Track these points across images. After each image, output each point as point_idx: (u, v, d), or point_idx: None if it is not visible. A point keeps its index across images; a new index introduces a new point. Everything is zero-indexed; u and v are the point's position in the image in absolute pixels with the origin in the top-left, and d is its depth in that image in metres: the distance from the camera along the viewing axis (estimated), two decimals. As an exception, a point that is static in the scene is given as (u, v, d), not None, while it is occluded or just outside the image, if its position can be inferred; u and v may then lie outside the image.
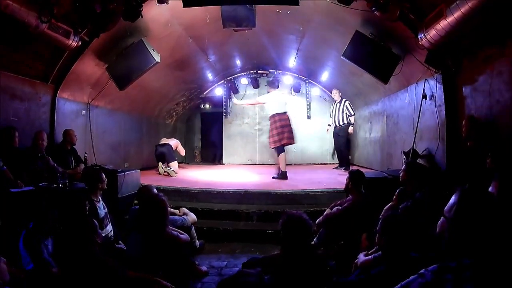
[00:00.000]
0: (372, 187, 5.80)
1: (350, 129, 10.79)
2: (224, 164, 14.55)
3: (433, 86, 6.65)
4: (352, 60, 7.27)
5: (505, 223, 1.75)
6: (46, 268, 3.60)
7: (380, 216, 3.77)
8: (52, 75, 7.14)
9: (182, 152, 11.73)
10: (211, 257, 5.66)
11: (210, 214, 7.01)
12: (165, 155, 10.54)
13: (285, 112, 9.50)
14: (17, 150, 6.01)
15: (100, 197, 5.20)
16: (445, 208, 1.86)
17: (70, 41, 6.19)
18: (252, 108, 14.59)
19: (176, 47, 9.52)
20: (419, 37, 5.77)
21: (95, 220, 3.63)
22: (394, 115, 9.03)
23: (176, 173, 10.30)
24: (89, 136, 8.55)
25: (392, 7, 5.77)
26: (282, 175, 9.36)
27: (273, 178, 9.47)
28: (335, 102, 11.15)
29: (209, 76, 13.38)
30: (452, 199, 1.85)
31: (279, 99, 9.58)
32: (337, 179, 9.09)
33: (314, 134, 13.93)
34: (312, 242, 5.05)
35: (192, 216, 5.66)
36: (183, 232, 4.75)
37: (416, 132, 7.22)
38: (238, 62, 13.02)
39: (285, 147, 9.50)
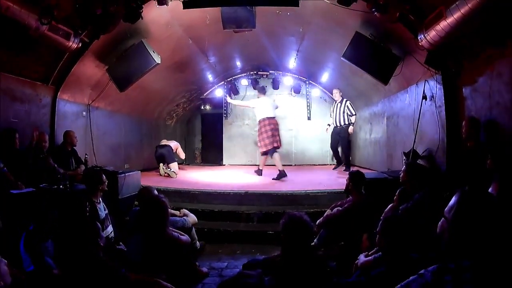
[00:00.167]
0: (373, 188, 5.79)
1: (350, 129, 10.72)
2: (224, 165, 14.55)
3: (433, 87, 6.65)
4: (352, 61, 7.29)
5: (505, 224, 1.75)
6: (47, 269, 3.60)
7: (381, 217, 3.76)
8: (52, 77, 7.14)
9: (182, 155, 11.70)
10: (212, 258, 5.67)
11: (210, 215, 7.01)
12: (165, 156, 10.53)
13: (274, 117, 9.92)
14: (17, 152, 6.02)
15: (100, 199, 5.20)
16: (445, 209, 1.86)
17: (71, 43, 6.20)
18: (252, 110, 14.54)
19: (176, 49, 9.52)
20: (419, 38, 5.77)
21: (98, 223, 3.64)
22: (394, 116, 9.03)
23: (176, 174, 10.31)
24: (90, 138, 8.56)
25: (392, 8, 5.77)
26: (281, 174, 9.53)
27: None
28: (335, 102, 11.06)
29: (209, 77, 13.41)
30: (452, 200, 1.85)
31: (268, 104, 9.98)
32: (337, 180, 9.10)
33: (314, 135, 13.94)
34: (313, 243, 5.05)
35: (192, 217, 5.66)
36: (183, 233, 4.74)
37: (416, 133, 7.22)
38: (238, 63, 13.04)
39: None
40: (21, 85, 6.63)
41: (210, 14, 7.58)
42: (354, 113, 10.65)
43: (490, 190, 3.59)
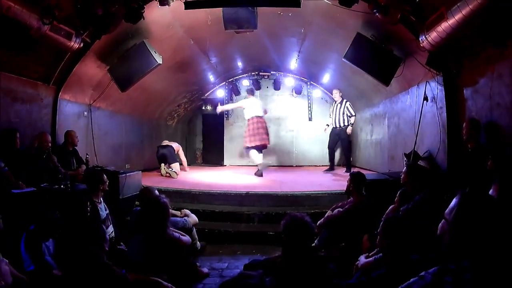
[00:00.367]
0: (373, 189, 5.79)
1: (349, 129, 10.71)
2: (225, 165, 14.55)
3: (434, 88, 6.65)
4: (353, 62, 7.29)
5: (505, 225, 1.75)
6: (47, 269, 3.60)
7: (382, 219, 3.77)
8: (53, 77, 7.15)
9: (183, 157, 11.66)
10: (212, 258, 5.68)
11: (211, 216, 7.02)
12: (166, 157, 10.54)
13: (262, 116, 10.58)
14: (18, 151, 6.02)
15: (101, 198, 5.21)
16: (446, 211, 1.87)
17: (72, 43, 6.21)
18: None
19: (178, 49, 9.53)
20: (420, 39, 5.77)
21: (103, 226, 3.64)
22: (395, 117, 9.03)
23: (177, 174, 10.32)
24: (91, 138, 8.56)
25: (393, 10, 5.77)
26: (264, 165, 10.54)
27: (255, 174, 10.35)
28: (335, 103, 11.04)
29: (211, 78, 13.40)
30: (453, 202, 1.85)
31: (256, 104, 10.70)
32: (338, 181, 9.10)
33: (315, 136, 13.92)
34: (313, 244, 5.05)
35: (193, 218, 5.67)
36: (184, 234, 4.74)
37: (417, 134, 7.22)
38: (239, 64, 13.04)
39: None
40: (23, 85, 6.63)
41: (211, 14, 7.58)
42: (353, 114, 10.65)
43: (490, 191, 3.59)
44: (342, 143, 10.97)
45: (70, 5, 5.88)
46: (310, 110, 14.40)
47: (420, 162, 6.71)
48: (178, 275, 4.27)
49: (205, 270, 5.05)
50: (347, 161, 11.17)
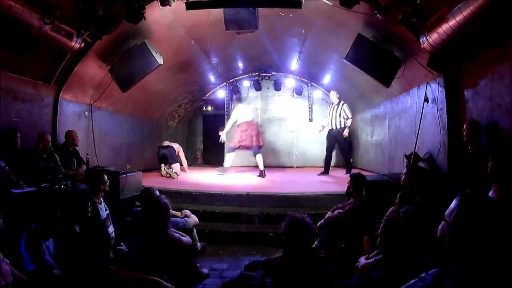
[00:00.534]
0: (374, 191, 5.80)
1: (346, 132, 10.61)
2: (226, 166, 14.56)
3: (435, 89, 6.65)
4: (354, 63, 7.29)
5: (505, 227, 1.75)
6: (48, 269, 3.61)
7: (382, 220, 3.77)
8: (54, 77, 7.17)
9: (183, 158, 11.64)
10: (213, 259, 5.68)
11: (211, 217, 7.02)
12: (167, 157, 10.54)
13: (252, 120, 11.10)
14: (19, 151, 6.03)
15: (102, 199, 5.20)
16: (446, 213, 1.87)
17: (73, 43, 6.21)
18: (254, 111, 14.59)
19: (179, 49, 9.53)
20: (421, 40, 5.77)
21: (110, 233, 3.65)
22: (396, 118, 9.03)
23: (177, 175, 10.31)
24: (91, 138, 8.57)
25: (394, 11, 5.77)
26: (225, 170, 11.01)
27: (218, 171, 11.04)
28: (332, 104, 10.93)
29: (211, 78, 13.41)
30: (453, 203, 1.85)
31: (245, 110, 11.17)
32: (339, 182, 9.09)
33: (316, 137, 13.85)
34: (314, 245, 5.05)
35: (193, 218, 5.67)
36: (184, 234, 4.74)
37: (417, 136, 7.22)
38: (240, 64, 13.03)
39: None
40: (23, 84, 6.65)
41: (212, 15, 7.58)
42: (349, 116, 10.55)
43: (490, 192, 3.59)
44: (339, 145, 10.87)
45: (71, 5, 5.87)
46: (310, 111, 14.39)
47: (421, 164, 6.71)
48: (179, 275, 4.27)
49: (205, 270, 5.05)
50: (347, 163, 11.13)
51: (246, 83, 14.15)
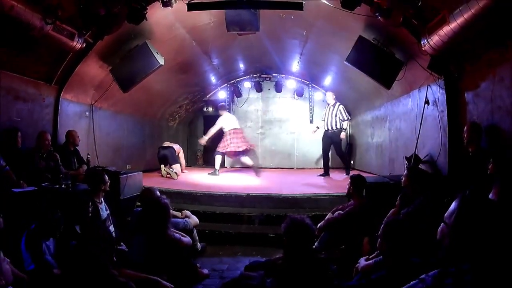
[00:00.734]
0: (374, 192, 5.80)
1: (342, 135, 10.67)
2: (226, 167, 14.52)
3: (436, 91, 6.66)
4: (355, 65, 7.29)
5: (504, 228, 1.75)
6: (48, 269, 3.61)
7: (383, 222, 3.78)
8: (56, 77, 7.16)
9: (182, 160, 11.62)
10: (213, 260, 5.68)
11: (212, 217, 7.03)
12: (167, 158, 10.54)
13: (239, 128, 11.50)
14: (19, 151, 6.03)
15: (102, 199, 5.22)
16: (446, 214, 1.87)
17: (75, 43, 6.22)
18: (255, 112, 14.64)
19: (180, 50, 9.54)
20: (422, 42, 5.78)
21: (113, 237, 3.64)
22: (396, 120, 9.03)
23: (177, 175, 10.31)
24: (92, 138, 8.57)
25: (395, 13, 5.77)
26: (256, 172, 11.01)
27: (208, 174, 11.14)
28: (328, 105, 10.95)
29: (213, 79, 13.42)
30: (453, 205, 1.85)
31: (230, 118, 11.58)
32: (339, 183, 9.10)
33: (316, 138, 13.85)
34: (314, 246, 5.05)
35: (194, 219, 5.67)
36: (185, 235, 4.75)
37: (418, 137, 7.22)
38: (241, 65, 13.04)
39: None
40: (24, 84, 6.65)
41: (214, 16, 7.60)
42: (346, 118, 10.57)
43: (490, 194, 3.60)
44: (334, 146, 10.82)
45: (72, 5, 5.88)
46: (311, 113, 14.38)
47: (421, 166, 6.71)
48: (179, 276, 4.28)
49: (206, 271, 5.04)
50: (346, 164, 11.14)
51: (247, 84, 14.18)
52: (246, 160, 11.32)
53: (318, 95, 14.21)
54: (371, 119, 11.43)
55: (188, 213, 5.81)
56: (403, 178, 4.91)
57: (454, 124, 6.30)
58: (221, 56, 11.57)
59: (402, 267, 2.79)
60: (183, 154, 11.69)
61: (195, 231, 5.57)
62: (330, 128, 10.73)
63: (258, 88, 14.20)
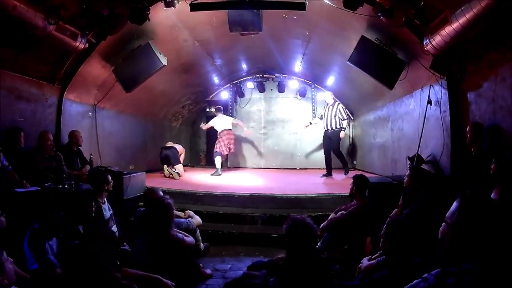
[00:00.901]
0: (377, 192, 5.80)
1: (342, 134, 10.68)
2: (229, 167, 14.53)
3: (438, 91, 6.65)
4: (357, 65, 7.30)
5: (505, 228, 1.76)
6: (50, 268, 3.62)
7: (386, 222, 3.78)
8: (58, 77, 7.18)
9: (182, 161, 11.69)
10: (215, 260, 5.68)
11: (215, 217, 7.05)
12: (169, 158, 10.55)
13: (231, 129, 11.82)
14: (22, 151, 6.04)
15: (105, 199, 5.23)
16: (447, 214, 1.87)
17: (77, 43, 6.23)
18: (257, 113, 14.64)
19: (183, 51, 9.56)
20: (424, 42, 5.78)
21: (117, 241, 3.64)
22: (399, 120, 9.02)
23: (179, 176, 10.32)
24: (95, 138, 8.59)
25: (398, 13, 5.77)
26: (217, 172, 11.25)
27: (211, 175, 11.19)
28: (327, 105, 10.96)
29: (215, 79, 13.42)
30: (454, 205, 1.86)
31: (224, 120, 11.84)
32: (341, 184, 9.10)
33: (319, 138, 13.88)
34: (316, 246, 5.05)
35: (197, 219, 5.68)
36: (188, 235, 4.76)
37: (421, 138, 7.21)
38: (244, 66, 13.04)
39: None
40: (27, 84, 6.67)
41: (216, 16, 7.59)
42: (345, 117, 10.62)
43: (492, 194, 3.59)
44: (332, 145, 10.83)
45: (75, 5, 5.90)
46: (314, 113, 14.32)
47: (424, 166, 6.70)
48: (181, 275, 4.28)
49: (208, 271, 5.05)
50: (344, 164, 11.13)
51: (250, 85, 14.19)
52: (217, 160, 11.46)
53: (320, 95, 14.16)
54: (373, 119, 11.41)
55: (191, 213, 5.82)
56: (406, 178, 4.90)
57: (456, 124, 6.30)
58: (224, 57, 11.59)
59: (404, 266, 2.79)
60: (184, 156, 11.71)
61: (198, 231, 5.57)
62: (329, 128, 10.76)
63: (261, 89, 14.21)
